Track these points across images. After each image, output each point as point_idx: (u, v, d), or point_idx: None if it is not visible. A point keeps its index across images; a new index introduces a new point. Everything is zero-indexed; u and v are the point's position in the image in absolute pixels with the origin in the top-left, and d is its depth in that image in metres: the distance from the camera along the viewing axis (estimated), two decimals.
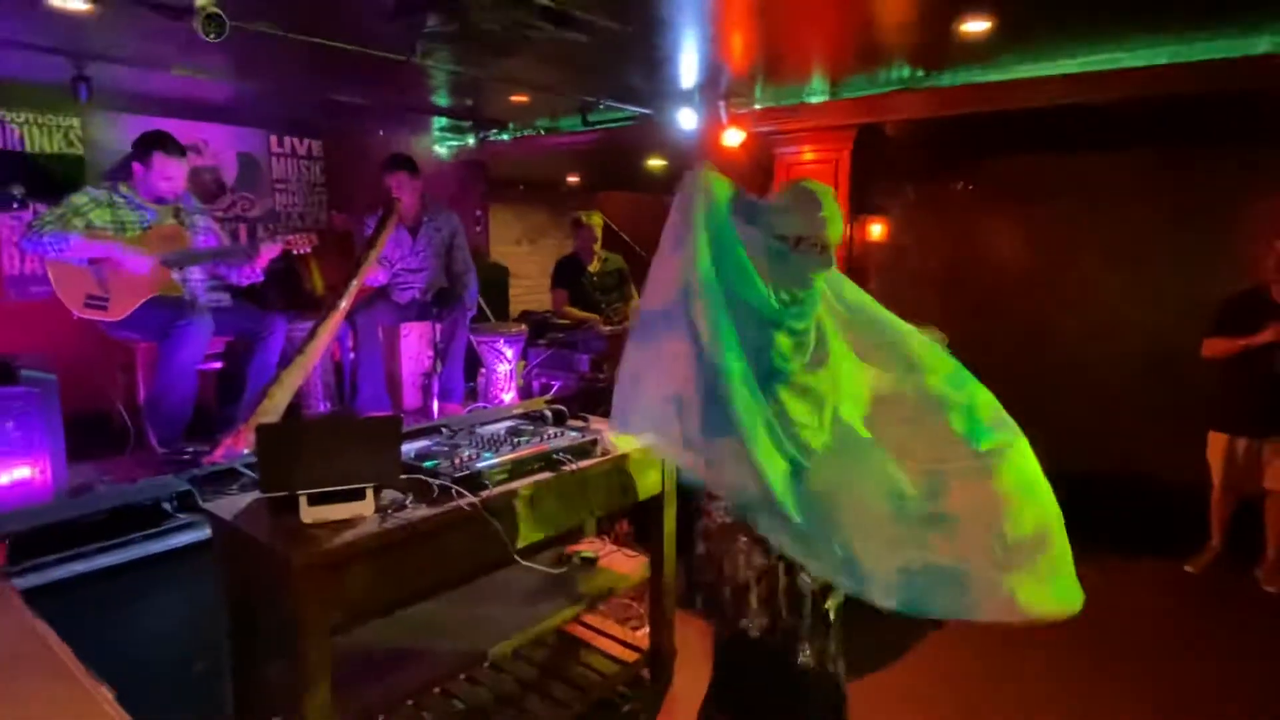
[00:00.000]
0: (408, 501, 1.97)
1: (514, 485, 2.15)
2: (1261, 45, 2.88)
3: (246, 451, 2.87)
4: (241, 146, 5.06)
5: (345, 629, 1.85)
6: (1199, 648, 3.14)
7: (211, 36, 2.30)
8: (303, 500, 1.84)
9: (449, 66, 3.39)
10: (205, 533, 2.30)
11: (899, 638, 3.13)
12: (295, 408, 3.52)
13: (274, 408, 3.18)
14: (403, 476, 2.04)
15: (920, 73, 3.57)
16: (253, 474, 2.60)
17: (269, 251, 3.49)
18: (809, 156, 4.16)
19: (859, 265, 4.56)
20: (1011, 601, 1.63)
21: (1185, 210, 4.37)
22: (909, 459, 1.80)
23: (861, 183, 4.27)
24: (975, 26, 2.77)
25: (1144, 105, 3.40)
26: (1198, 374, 3.69)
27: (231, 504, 2.03)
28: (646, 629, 2.88)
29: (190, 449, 3.16)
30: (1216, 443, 3.70)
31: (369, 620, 1.99)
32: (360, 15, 2.64)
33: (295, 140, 5.31)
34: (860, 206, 4.44)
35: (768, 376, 1.79)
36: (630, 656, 2.82)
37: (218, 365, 3.65)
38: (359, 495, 1.89)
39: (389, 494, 1.98)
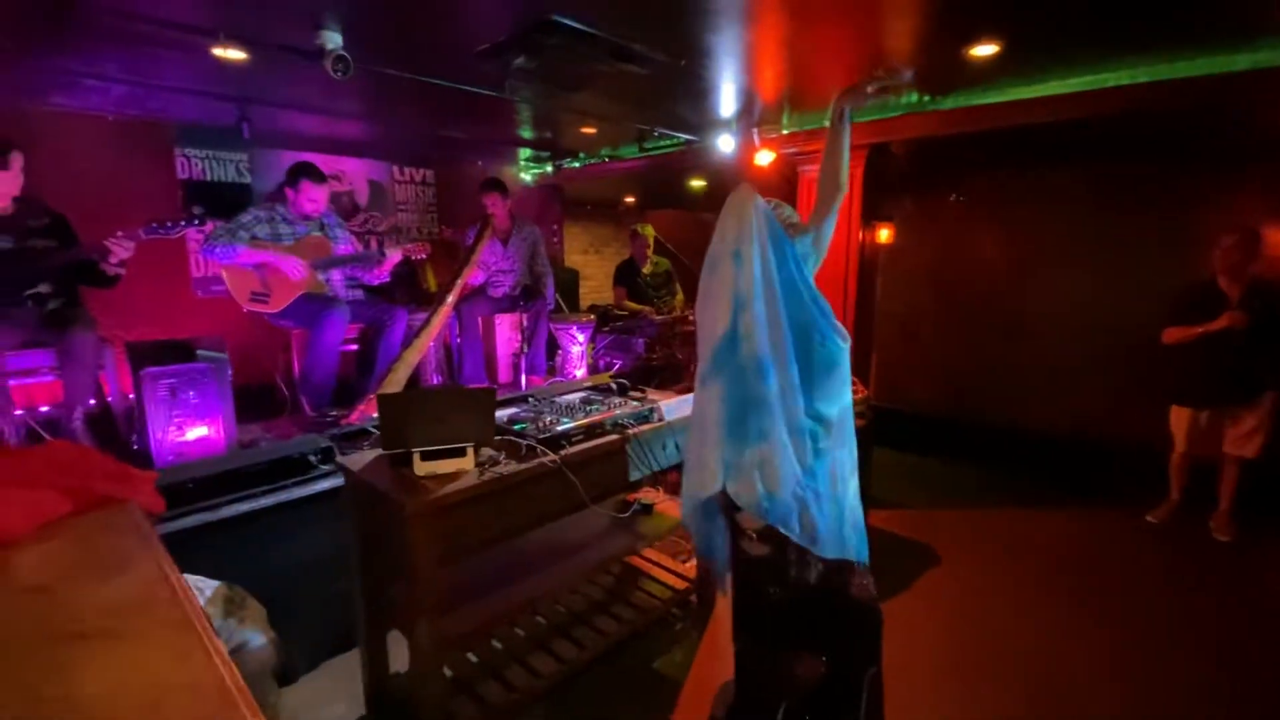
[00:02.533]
0: (501, 458, 1.85)
1: (587, 445, 2.00)
2: (1240, 63, 2.48)
3: (375, 415, 2.79)
4: (372, 175, 5.00)
5: (449, 561, 1.73)
6: (1159, 585, 2.89)
7: (339, 74, 2.16)
8: (415, 456, 1.73)
9: (532, 101, 3.20)
10: (342, 480, 2.22)
11: (903, 574, 2.92)
12: (414, 379, 3.46)
13: (397, 380, 3.13)
14: (497, 437, 1.91)
15: (926, 98, 3.24)
16: (379, 433, 2.51)
17: (393, 258, 3.43)
18: None
19: (869, 264, 4.26)
20: None
21: (1146, 212, 3.95)
22: None
23: (871, 194, 3.95)
24: (984, 50, 2.45)
25: (1118, 123, 3.02)
26: (1151, 353, 3.34)
27: (360, 459, 1.93)
28: (694, 561, 2.71)
29: (333, 413, 3.11)
30: (1180, 415, 3.35)
31: (469, 554, 1.86)
32: (460, 57, 2.47)
33: (413, 170, 5.24)
34: (869, 215, 4.12)
35: (820, 340, 1.53)
36: (681, 584, 2.67)
37: (355, 347, 3.62)
38: (461, 453, 1.78)
39: (486, 452, 1.85)
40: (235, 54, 2.28)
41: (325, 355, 3.20)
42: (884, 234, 4.60)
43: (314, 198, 3.29)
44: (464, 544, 1.77)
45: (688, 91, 3.08)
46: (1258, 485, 3.23)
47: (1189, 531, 3.32)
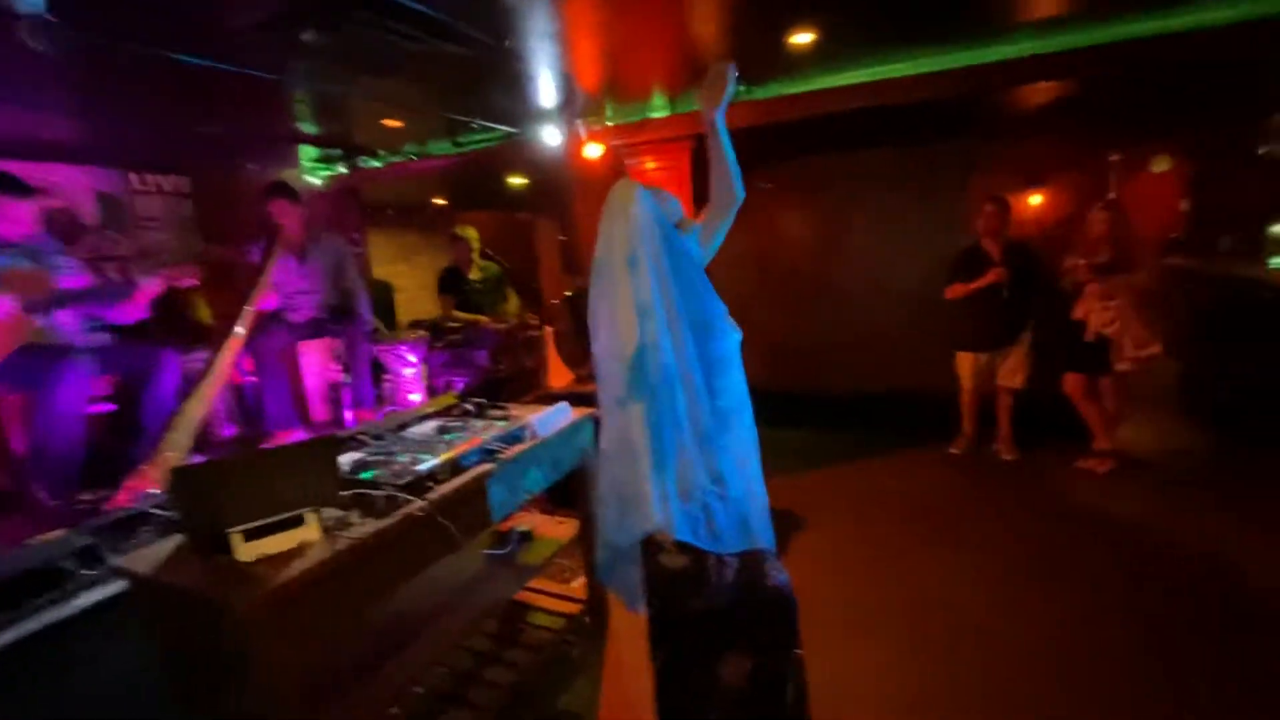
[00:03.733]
0: (354, 517, 1.53)
1: (458, 482, 1.75)
2: (991, 55, 2.98)
3: (155, 491, 2.20)
4: (99, 186, 3.99)
5: (299, 660, 1.39)
6: (961, 502, 3.48)
7: (41, 47, 1.61)
8: (236, 538, 1.35)
9: (324, 85, 2.74)
10: (118, 586, 1.70)
11: (779, 542, 3.07)
12: (201, 435, 2.81)
13: (180, 440, 2.51)
14: (343, 493, 1.58)
15: (743, 88, 3.41)
16: (165, 515, 1.97)
17: (149, 288, 2.74)
18: (650, 166, 3.90)
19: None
20: None
21: (929, 188, 4.67)
22: None
23: (701, 184, 4.12)
24: (802, 39, 2.61)
25: (904, 108, 3.47)
26: (944, 310, 3.91)
27: (148, 554, 1.48)
28: (581, 579, 2.57)
29: (87, 497, 2.40)
30: (964, 360, 3.96)
31: (323, 642, 1.52)
32: (222, 28, 1.99)
33: (160, 178, 4.28)
34: (699, 202, 4.30)
35: (718, 336, 1.49)
36: (571, 608, 2.51)
37: (108, 406, 2.85)
38: (299, 521, 1.43)
39: (331, 513, 1.52)
40: None
41: (63, 423, 2.46)
42: None
43: (14, 217, 2.53)
44: (318, 632, 1.44)
45: (510, 77, 2.87)
46: (1026, 410, 3.95)
47: (982, 456, 3.99)
